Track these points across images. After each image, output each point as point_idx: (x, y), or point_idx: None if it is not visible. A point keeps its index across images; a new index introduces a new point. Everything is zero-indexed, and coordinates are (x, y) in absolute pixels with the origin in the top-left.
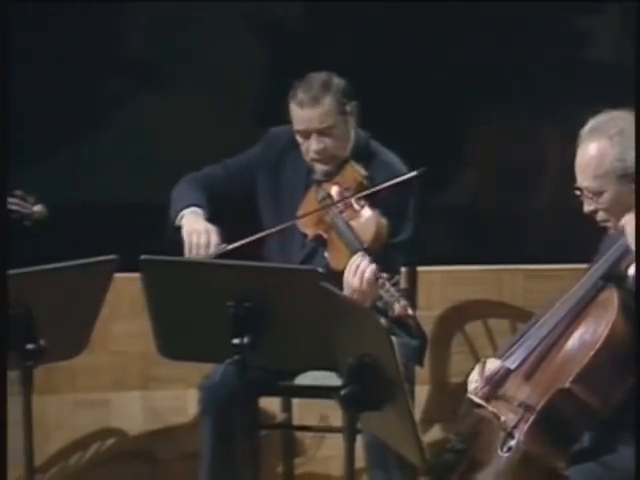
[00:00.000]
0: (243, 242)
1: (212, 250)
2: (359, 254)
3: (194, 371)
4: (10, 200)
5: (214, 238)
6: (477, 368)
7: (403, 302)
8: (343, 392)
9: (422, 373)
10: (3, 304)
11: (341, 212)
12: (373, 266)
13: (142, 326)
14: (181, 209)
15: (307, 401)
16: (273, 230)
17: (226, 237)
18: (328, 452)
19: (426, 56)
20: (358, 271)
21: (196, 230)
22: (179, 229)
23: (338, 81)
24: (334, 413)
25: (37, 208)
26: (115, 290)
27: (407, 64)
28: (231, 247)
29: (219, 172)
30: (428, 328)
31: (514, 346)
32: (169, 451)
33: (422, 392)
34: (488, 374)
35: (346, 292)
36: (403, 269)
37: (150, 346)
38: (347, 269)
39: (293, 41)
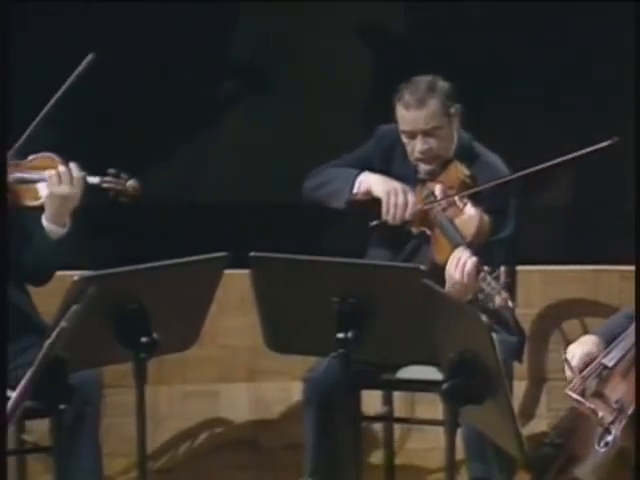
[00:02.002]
0: (438, 200)
1: (410, 210)
2: (461, 248)
3: (299, 364)
4: (105, 179)
5: (411, 198)
6: (573, 360)
7: (504, 295)
8: (444, 386)
9: (520, 369)
10: (3, 304)
11: (444, 209)
12: (474, 259)
13: (249, 321)
14: (355, 177)
15: (407, 394)
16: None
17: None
18: (427, 444)
19: (524, 56)
20: (459, 264)
21: (393, 189)
22: (353, 203)
23: (443, 84)
24: (433, 406)
25: (131, 183)
26: (224, 286)
27: (504, 64)
28: (425, 207)
29: (342, 164)
30: (527, 325)
31: (612, 344)
32: (274, 441)
33: (520, 387)
34: (585, 371)
35: (448, 284)
36: (503, 268)
37: (257, 340)
38: (449, 262)
39: (399, 44)
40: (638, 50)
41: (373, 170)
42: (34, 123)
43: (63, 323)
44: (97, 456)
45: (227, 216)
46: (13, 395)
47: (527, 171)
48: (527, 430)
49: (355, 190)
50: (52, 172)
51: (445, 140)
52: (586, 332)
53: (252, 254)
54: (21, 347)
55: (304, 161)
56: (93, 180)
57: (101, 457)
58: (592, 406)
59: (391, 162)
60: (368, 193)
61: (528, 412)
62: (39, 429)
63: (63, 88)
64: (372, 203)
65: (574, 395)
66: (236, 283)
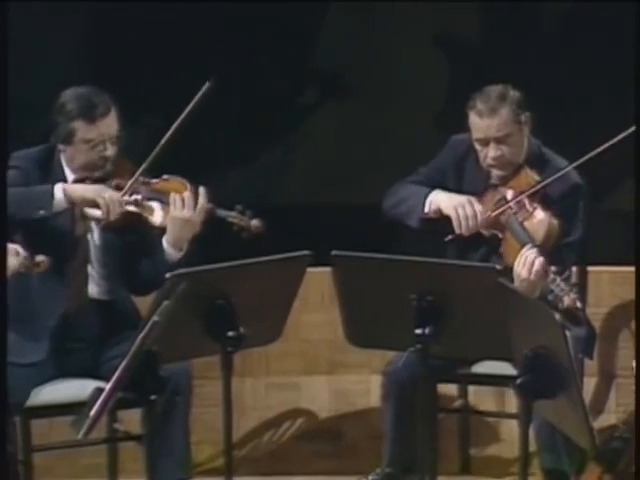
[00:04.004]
0: (504, 208)
1: (480, 219)
2: (529, 246)
3: (378, 358)
4: (231, 214)
5: (478, 207)
6: None
7: (572, 295)
8: (519, 381)
9: (591, 365)
10: (3, 304)
11: (515, 213)
12: (542, 258)
13: (330, 316)
14: (425, 198)
15: (481, 388)
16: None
17: None
18: (500, 436)
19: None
20: (527, 262)
21: (460, 203)
22: (427, 220)
23: (513, 93)
24: (506, 400)
25: (254, 222)
26: (306, 283)
27: (573, 73)
28: (494, 214)
29: (421, 179)
30: (597, 324)
31: None
32: (354, 431)
33: (590, 383)
34: None
35: (516, 282)
36: (574, 268)
37: (337, 334)
38: (517, 260)
39: (473, 55)
40: (638, 51)
41: (447, 179)
42: (160, 145)
43: (155, 317)
44: (186, 444)
45: (310, 217)
46: (107, 386)
47: (581, 160)
48: (597, 424)
49: (426, 209)
50: (177, 196)
51: (516, 147)
52: None
53: (334, 253)
54: (119, 339)
55: (383, 164)
56: (220, 214)
57: (189, 445)
58: None
59: (464, 170)
60: (438, 211)
61: (598, 407)
62: (129, 418)
63: (184, 113)
64: (444, 219)
65: None
66: (318, 280)
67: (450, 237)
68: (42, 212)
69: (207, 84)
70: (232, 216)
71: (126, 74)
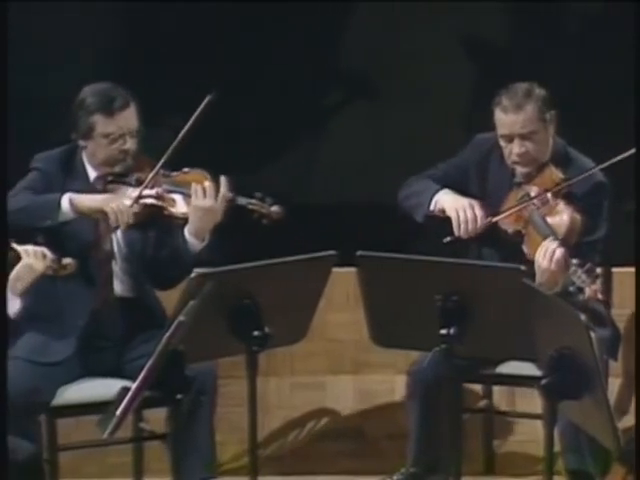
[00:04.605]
0: (505, 215)
1: (479, 223)
2: (550, 238)
3: (402, 358)
4: (251, 201)
5: (479, 212)
6: None
7: (594, 287)
8: (544, 382)
9: (615, 366)
10: (3, 302)
11: (538, 209)
12: (563, 249)
13: (355, 316)
14: (433, 195)
15: (505, 388)
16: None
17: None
18: (524, 436)
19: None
20: (547, 253)
21: (462, 206)
22: (430, 217)
23: (539, 91)
24: (530, 400)
25: (274, 208)
26: (331, 283)
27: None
28: (495, 219)
29: (438, 173)
30: (621, 325)
31: None
32: (378, 430)
33: (614, 384)
34: None
35: (537, 274)
36: (599, 269)
37: (362, 334)
38: (538, 251)
39: (497, 55)
40: (638, 52)
41: (469, 177)
42: (178, 139)
43: (181, 317)
44: (211, 443)
45: (334, 216)
46: (133, 385)
47: (609, 162)
48: (621, 425)
49: (432, 207)
50: (198, 186)
51: (541, 144)
52: None
53: (359, 253)
54: (144, 338)
55: (408, 164)
56: (241, 201)
57: (214, 444)
58: None
59: (487, 168)
60: (442, 211)
61: (622, 408)
62: (154, 418)
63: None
64: (447, 220)
65: None
66: (343, 280)
67: (449, 239)
68: (48, 222)
69: (208, 97)
70: (252, 203)
71: (150, 74)
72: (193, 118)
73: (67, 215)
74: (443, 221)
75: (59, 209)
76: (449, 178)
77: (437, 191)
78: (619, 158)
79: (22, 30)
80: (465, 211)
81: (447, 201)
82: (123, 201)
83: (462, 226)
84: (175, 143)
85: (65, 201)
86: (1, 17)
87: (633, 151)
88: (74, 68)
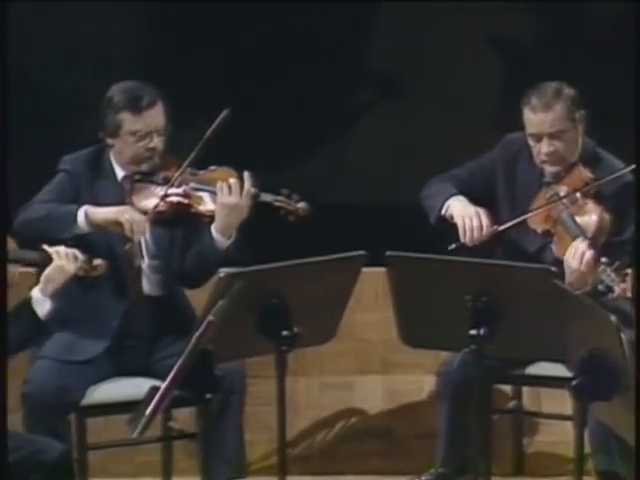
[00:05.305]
0: (512, 223)
1: (485, 232)
2: (580, 238)
3: (431, 358)
4: (277, 198)
5: (485, 220)
6: None
7: (623, 285)
8: (575, 383)
9: None
10: (3, 304)
11: (567, 208)
12: (592, 250)
13: (384, 316)
14: (445, 200)
15: (532, 388)
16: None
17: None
18: (553, 437)
19: None
20: (577, 253)
21: (468, 214)
22: (442, 220)
23: (568, 90)
24: (557, 401)
25: (300, 205)
26: (360, 282)
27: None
28: (501, 228)
29: (464, 174)
30: None
31: None
32: (406, 430)
33: None
34: None
35: (567, 274)
36: (629, 271)
37: (391, 334)
38: (567, 252)
39: (525, 54)
40: (638, 51)
41: (495, 177)
42: (203, 140)
43: (210, 317)
44: (240, 442)
45: (363, 216)
46: (163, 385)
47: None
48: None
49: (443, 212)
50: (223, 183)
51: (570, 144)
52: None
53: (388, 253)
54: (173, 337)
55: (438, 164)
56: (266, 198)
57: (244, 443)
58: None
59: (516, 168)
60: (451, 217)
61: None
62: (183, 417)
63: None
64: (455, 225)
65: None
66: (371, 280)
67: (454, 246)
68: (66, 234)
69: (225, 111)
70: (279, 200)
71: (178, 73)
72: (210, 131)
73: (83, 229)
74: (452, 226)
75: (75, 223)
76: (475, 178)
77: (450, 196)
78: None
79: (54, 30)
80: (471, 219)
81: (456, 208)
82: (137, 212)
83: (467, 233)
84: (201, 143)
85: (81, 215)
86: (1, 17)
87: None
88: (105, 68)
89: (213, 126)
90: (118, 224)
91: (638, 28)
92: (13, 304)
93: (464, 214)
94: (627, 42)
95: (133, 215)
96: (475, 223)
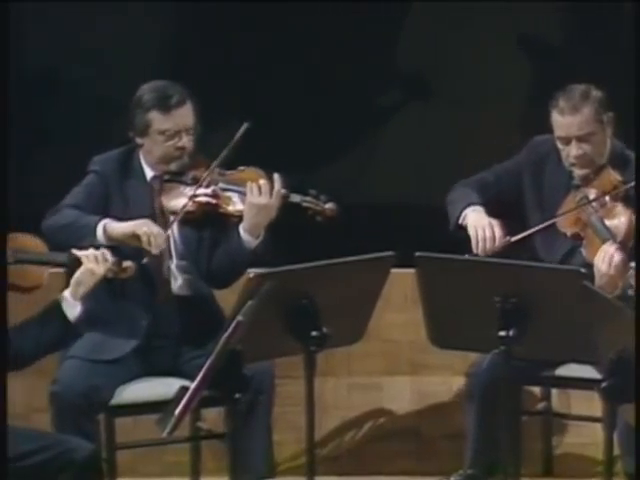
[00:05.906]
0: (524, 234)
1: (497, 243)
2: (609, 242)
3: (459, 359)
4: (306, 199)
5: (498, 231)
6: None
7: None
8: (604, 385)
9: None
10: (3, 305)
11: (596, 211)
12: (622, 254)
13: (413, 317)
14: (463, 208)
15: (561, 390)
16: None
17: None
18: (583, 439)
19: None
20: (607, 257)
21: (481, 225)
22: (460, 228)
23: (596, 92)
24: (586, 402)
25: (328, 205)
26: (389, 283)
27: None
28: (514, 239)
29: (490, 177)
30: None
31: None
32: (435, 431)
33: None
34: None
35: (596, 278)
36: None
37: (420, 335)
38: (597, 255)
39: (554, 55)
40: (638, 51)
41: (522, 180)
42: (233, 141)
43: (239, 317)
44: (268, 443)
45: (391, 217)
46: (192, 385)
47: None
48: None
49: (460, 220)
50: (253, 184)
51: (598, 146)
52: None
53: (417, 254)
54: (201, 338)
55: (466, 165)
56: (295, 198)
57: (272, 444)
58: None
59: (543, 171)
60: (466, 226)
61: None
62: (212, 417)
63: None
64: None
65: None
66: (400, 281)
67: (467, 256)
68: (85, 244)
69: (245, 125)
70: (307, 200)
71: (209, 74)
72: (237, 136)
73: (101, 242)
74: (468, 234)
75: (94, 235)
76: (502, 182)
77: (468, 205)
78: None
79: (85, 31)
80: (484, 230)
81: (470, 218)
82: (155, 225)
83: (480, 244)
84: (231, 144)
85: (100, 229)
86: (1, 17)
87: None
88: (135, 68)
89: (238, 134)
90: (136, 237)
91: (638, 28)
92: (42, 305)
93: (477, 225)
94: None
95: (151, 228)
96: (488, 234)
